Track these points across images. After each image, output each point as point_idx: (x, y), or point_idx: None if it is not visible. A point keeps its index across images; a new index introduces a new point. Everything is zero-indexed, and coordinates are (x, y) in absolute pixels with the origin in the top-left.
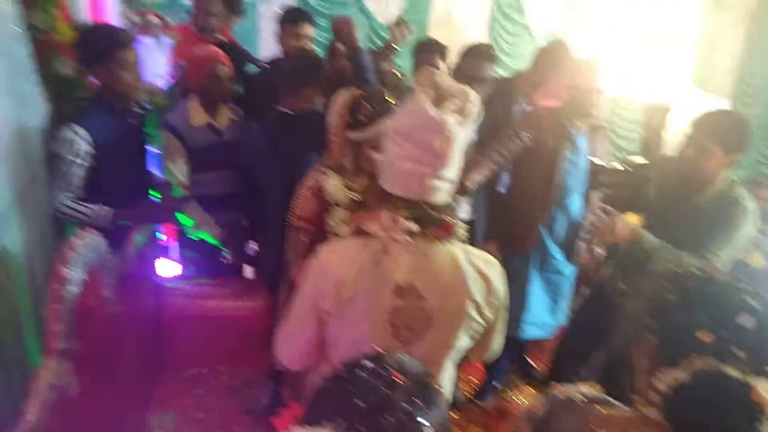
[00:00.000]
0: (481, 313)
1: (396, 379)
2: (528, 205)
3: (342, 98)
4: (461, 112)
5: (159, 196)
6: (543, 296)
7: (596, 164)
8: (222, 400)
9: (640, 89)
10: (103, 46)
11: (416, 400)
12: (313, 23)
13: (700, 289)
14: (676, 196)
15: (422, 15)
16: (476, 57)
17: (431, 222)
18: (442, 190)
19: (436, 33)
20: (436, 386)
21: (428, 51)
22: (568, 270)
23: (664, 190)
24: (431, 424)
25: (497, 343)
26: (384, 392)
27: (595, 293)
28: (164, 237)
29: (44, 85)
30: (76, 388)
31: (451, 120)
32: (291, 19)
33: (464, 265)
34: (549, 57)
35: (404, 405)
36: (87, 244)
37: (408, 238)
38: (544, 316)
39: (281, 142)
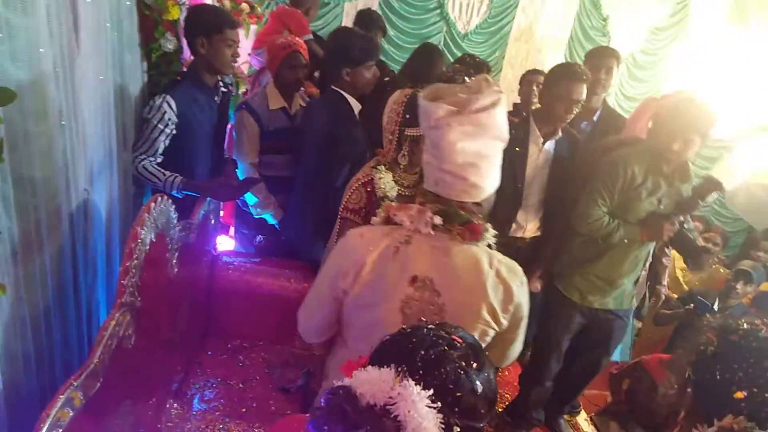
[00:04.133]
0: (496, 319)
1: (455, 340)
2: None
3: (397, 96)
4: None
5: (227, 173)
6: None
7: None
8: (259, 374)
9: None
10: (218, 21)
11: (471, 361)
12: None
13: (743, 343)
14: (667, 188)
15: (504, 27)
16: (567, 78)
17: (459, 221)
18: (463, 191)
19: (514, 46)
20: (488, 356)
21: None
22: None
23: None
24: (481, 383)
25: (514, 351)
26: (444, 348)
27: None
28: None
29: (145, 57)
30: (134, 341)
31: (440, 110)
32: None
33: (485, 268)
34: None
35: (461, 362)
36: (160, 209)
37: (431, 231)
38: None
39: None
